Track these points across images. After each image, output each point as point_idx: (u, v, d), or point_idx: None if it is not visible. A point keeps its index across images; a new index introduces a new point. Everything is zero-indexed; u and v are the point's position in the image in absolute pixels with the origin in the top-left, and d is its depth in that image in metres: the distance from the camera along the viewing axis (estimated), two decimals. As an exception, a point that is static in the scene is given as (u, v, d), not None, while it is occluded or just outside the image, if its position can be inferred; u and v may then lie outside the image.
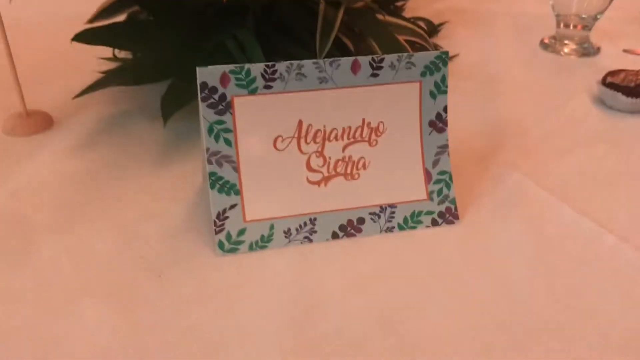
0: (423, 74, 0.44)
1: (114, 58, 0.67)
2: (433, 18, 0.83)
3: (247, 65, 0.40)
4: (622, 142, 0.57)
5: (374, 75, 0.43)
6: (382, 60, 0.43)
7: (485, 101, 0.65)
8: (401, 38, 0.67)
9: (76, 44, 0.56)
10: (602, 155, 0.55)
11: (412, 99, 0.44)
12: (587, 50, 0.78)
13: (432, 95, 0.44)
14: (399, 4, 0.85)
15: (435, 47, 0.72)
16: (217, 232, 0.42)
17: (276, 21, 0.63)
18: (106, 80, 0.56)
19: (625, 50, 0.78)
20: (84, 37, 0.57)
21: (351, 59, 0.42)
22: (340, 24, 0.60)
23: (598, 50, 0.78)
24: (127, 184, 0.50)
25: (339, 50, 0.63)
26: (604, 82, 0.64)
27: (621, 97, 0.61)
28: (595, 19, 0.77)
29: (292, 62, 0.41)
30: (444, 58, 0.44)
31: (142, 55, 0.59)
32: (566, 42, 0.78)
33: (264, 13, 0.62)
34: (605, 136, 0.58)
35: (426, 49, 0.67)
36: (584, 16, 0.77)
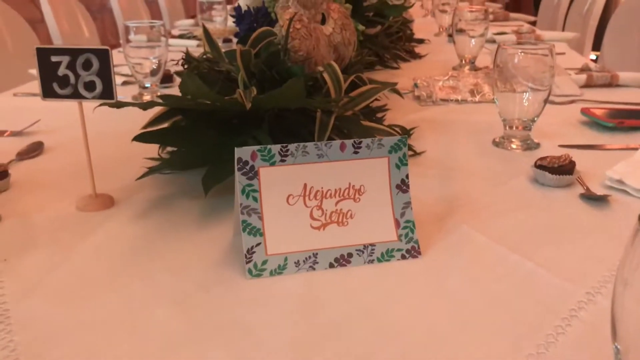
0: (390, 152, 0.63)
1: (159, 157, 0.87)
2: (407, 126, 1.04)
3: (269, 146, 0.60)
4: (547, 207, 0.76)
5: (356, 152, 0.62)
6: (360, 142, 0.62)
7: (445, 182, 0.84)
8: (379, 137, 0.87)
9: (131, 147, 0.76)
10: (531, 215, 0.73)
11: (383, 169, 0.63)
12: (529, 146, 0.98)
13: (397, 167, 0.63)
14: (379, 114, 1.07)
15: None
16: (247, 262, 0.59)
17: (284, 125, 0.84)
18: (159, 167, 0.76)
19: (560, 145, 0.99)
20: (142, 137, 0.77)
21: (340, 141, 0.61)
22: (332, 127, 0.80)
23: (538, 145, 0.99)
24: (177, 240, 0.67)
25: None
26: (536, 165, 0.83)
27: (547, 175, 0.81)
28: (533, 121, 0.98)
29: (299, 143, 0.60)
30: (404, 141, 0.64)
31: (185, 150, 0.79)
32: (512, 140, 0.99)
33: (276, 119, 0.83)
34: (535, 203, 0.77)
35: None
36: (524, 119, 0.98)
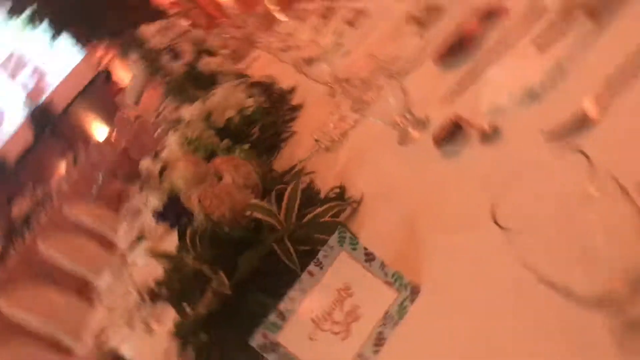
0: (341, 245, 0.77)
1: None
2: (336, 178, 1.18)
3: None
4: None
5: (321, 267, 0.76)
6: (318, 260, 0.76)
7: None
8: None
9: None
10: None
11: (349, 264, 0.77)
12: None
13: (354, 249, 0.77)
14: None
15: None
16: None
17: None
18: None
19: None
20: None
21: (306, 273, 0.75)
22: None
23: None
24: None
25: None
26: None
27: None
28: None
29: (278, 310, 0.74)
30: (342, 230, 0.78)
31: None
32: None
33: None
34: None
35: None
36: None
